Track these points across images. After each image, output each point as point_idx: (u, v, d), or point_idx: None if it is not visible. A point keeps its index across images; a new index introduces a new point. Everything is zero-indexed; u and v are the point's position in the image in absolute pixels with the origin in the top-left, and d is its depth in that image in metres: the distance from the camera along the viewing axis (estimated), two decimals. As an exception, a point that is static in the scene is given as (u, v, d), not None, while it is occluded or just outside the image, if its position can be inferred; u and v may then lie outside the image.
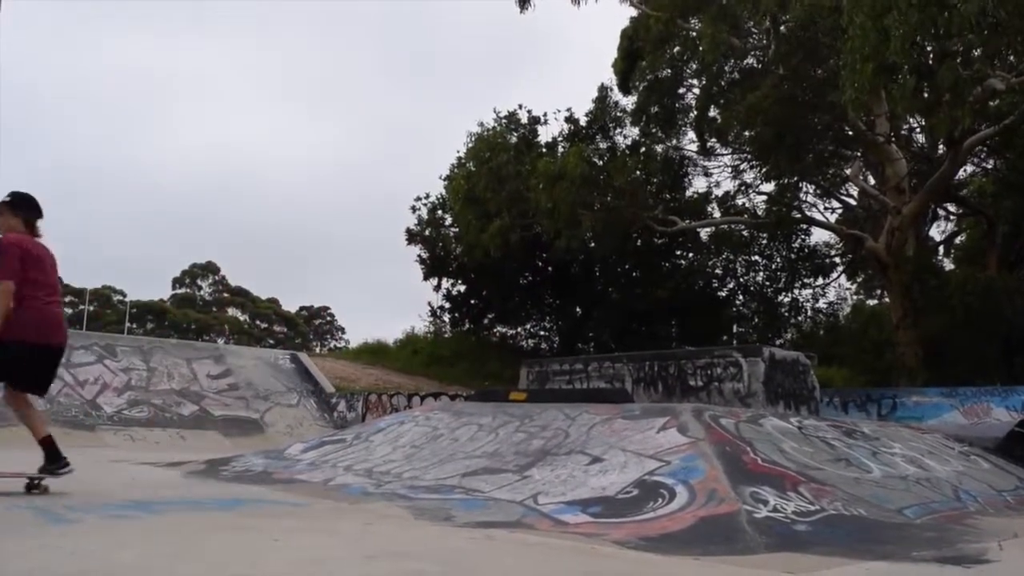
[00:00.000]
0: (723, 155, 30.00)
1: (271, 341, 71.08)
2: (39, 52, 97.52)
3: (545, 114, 32.45)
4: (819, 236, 32.24)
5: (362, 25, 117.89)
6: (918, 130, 26.72)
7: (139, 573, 4.83)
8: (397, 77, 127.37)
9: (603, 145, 30.66)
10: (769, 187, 28.49)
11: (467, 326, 37.92)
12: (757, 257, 33.05)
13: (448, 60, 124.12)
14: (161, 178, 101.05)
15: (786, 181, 26.07)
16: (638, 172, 27.82)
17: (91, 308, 62.90)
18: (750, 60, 25.42)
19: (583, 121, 32.12)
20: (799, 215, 27.82)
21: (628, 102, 30.17)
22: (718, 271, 34.14)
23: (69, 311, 62.91)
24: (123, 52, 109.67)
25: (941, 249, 31.53)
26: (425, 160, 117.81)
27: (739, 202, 31.02)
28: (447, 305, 37.64)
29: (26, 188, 7.93)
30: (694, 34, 24.91)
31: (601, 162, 28.03)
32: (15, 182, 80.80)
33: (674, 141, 29.87)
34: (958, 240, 31.88)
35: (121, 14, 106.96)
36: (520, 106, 32.20)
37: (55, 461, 8.18)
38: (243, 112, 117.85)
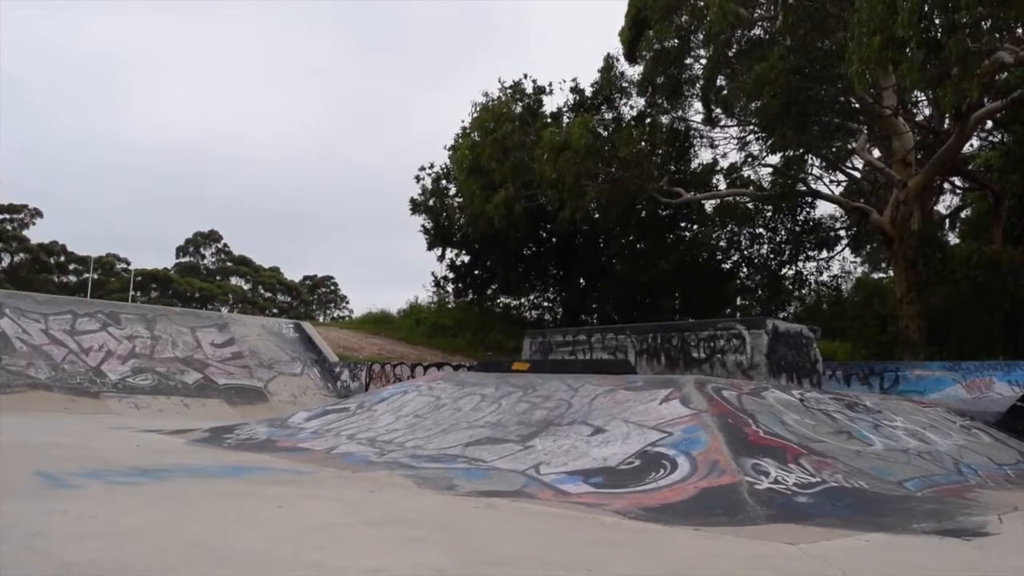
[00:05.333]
0: (729, 126, 29.80)
1: (274, 310, 71.11)
2: (19, 30, 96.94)
3: (550, 84, 32.27)
4: (824, 209, 32.12)
5: None
6: (925, 103, 26.56)
7: (143, 538, 4.87)
8: (384, 48, 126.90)
9: (608, 116, 30.45)
10: (775, 159, 28.36)
11: (470, 296, 37.92)
12: (762, 230, 32.90)
13: (438, 28, 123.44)
14: (153, 150, 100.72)
15: (792, 153, 25.91)
16: (643, 143, 27.66)
17: (95, 276, 62.87)
18: (757, 31, 25.19)
19: (588, 91, 31.92)
20: (804, 187, 27.68)
21: (634, 72, 29.97)
22: (722, 243, 34.02)
23: (74, 279, 63.00)
24: (99, 31, 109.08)
25: (947, 223, 31.43)
26: (423, 131, 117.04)
27: (745, 174, 30.90)
28: (451, 275, 37.65)
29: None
30: (702, 3, 24.67)
31: (606, 133, 27.87)
32: (6, 160, 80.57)
33: (680, 112, 29.67)
34: (964, 214, 31.76)
35: None
36: (525, 76, 31.99)
37: None
38: (224, 88, 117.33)
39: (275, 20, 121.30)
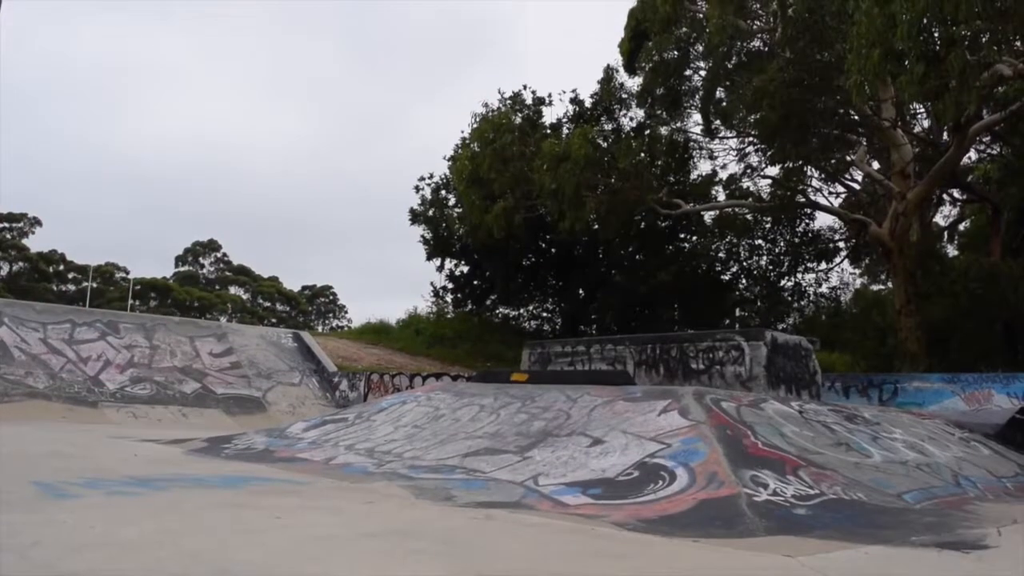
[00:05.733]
0: (728, 138, 29.86)
1: (273, 320, 71.10)
2: (19, 37, 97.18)
3: (549, 95, 32.31)
4: (823, 220, 32.14)
5: (344, 7, 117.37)
6: (923, 115, 26.61)
7: (142, 548, 4.86)
8: (381, 57, 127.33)
9: (608, 127, 30.49)
10: (774, 171, 28.42)
11: (470, 307, 37.91)
12: (761, 241, 32.93)
13: (435, 36, 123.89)
14: (152, 159, 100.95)
15: (791, 165, 25.95)
16: (643, 154, 27.70)
17: (94, 285, 62.87)
18: (756, 43, 25.26)
19: (588, 103, 32.00)
20: (803, 199, 27.71)
21: (634, 84, 30.04)
22: (721, 255, 34.03)
23: (72, 288, 62.94)
24: (98, 41, 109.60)
25: (945, 235, 31.47)
26: (422, 139, 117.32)
27: (744, 185, 30.94)
28: (450, 285, 37.64)
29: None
30: (701, 16, 24.74)
31: (606, 144, 27.89)
32: (5, 168, 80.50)
33: (679, 123, 29.72)
34: (962, 226, 31.79)
35: (89, 4, 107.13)
36: (525, 87, 32.02)
37: None
38: (223, 97, 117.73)
39: (271, 31, 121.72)
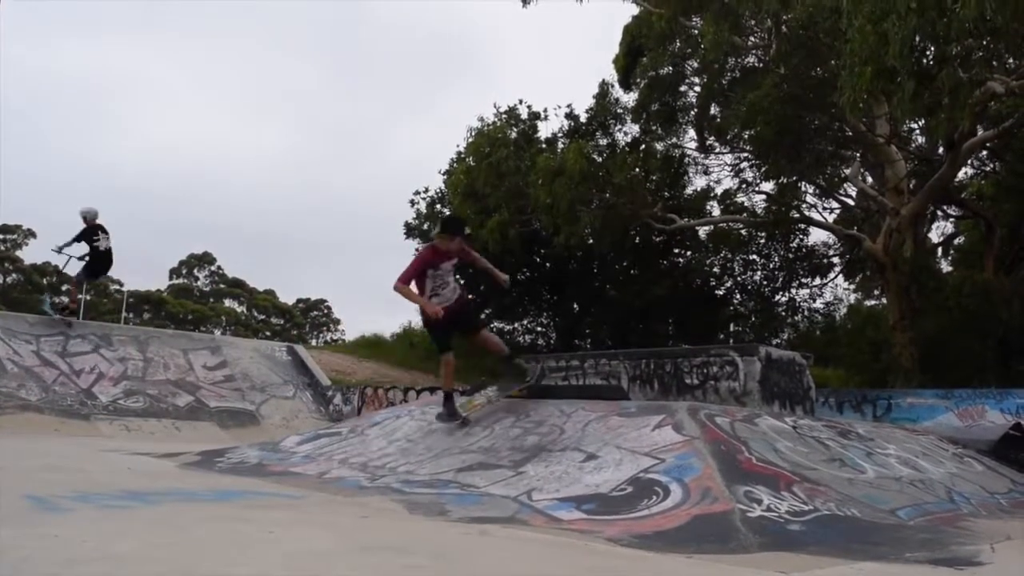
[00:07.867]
0: (723, 153, 30.03)
1: (268, 333, 71.13)
2: (11, 50, 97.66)
3: (545, 110, 32.39)
4: (817, 236, 32.30)
5: (331, 24, 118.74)
6: (918, 131, 26.79)
7: (134, 563, 4.84)
8: (373, 72, 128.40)
9: (603, 142, 30.62)
10: (768, 186, 28.58)
11: (464, 321, 37.88)
12: (755, 256, 33.05)
13: (427, 53, 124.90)
14: (148, 174, 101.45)
15: (785, 181, 26.10)
16: (638, 169, 27.84)
17: (88, 297, 62.71)
18: (751, 59, 25.45)
19: (583, 117, 32.11)
20: (798, 215, 27.85)
21: (629, 99, 30.22)
22: (716, 270, 34.15)
23: (65, 299, 62.91)
24: (89, 57, 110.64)
25: (939, 251, 31.61)
26: (417, 153, 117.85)
27: (738, 200, 31.07)
28: (445, 299, 37.58)
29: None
30: (696, 32, 24.92)
31: (601, 159, 28.00)
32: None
33: (674, 139, 29.90)
34: (956, 242, 31.92)
35: (71, 19, 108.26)
36: (520, 101, 32.10)
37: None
38: (217, 114, 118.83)
39: (257, 50, 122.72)
